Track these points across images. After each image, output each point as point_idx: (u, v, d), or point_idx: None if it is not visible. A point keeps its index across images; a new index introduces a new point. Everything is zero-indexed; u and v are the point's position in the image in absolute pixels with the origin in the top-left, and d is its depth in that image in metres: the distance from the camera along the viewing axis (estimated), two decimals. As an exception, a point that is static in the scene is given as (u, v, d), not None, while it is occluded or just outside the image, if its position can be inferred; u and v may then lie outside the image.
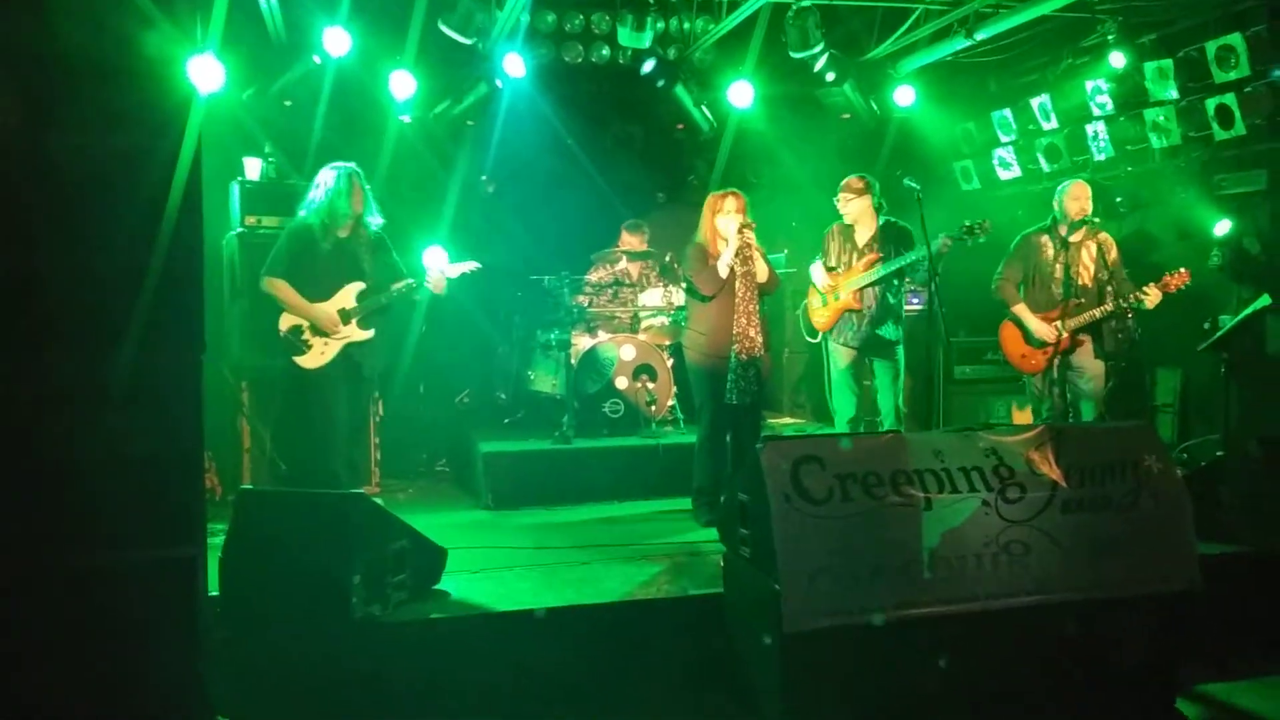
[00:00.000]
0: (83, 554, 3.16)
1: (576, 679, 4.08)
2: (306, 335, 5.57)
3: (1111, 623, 3.84)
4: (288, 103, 7.41)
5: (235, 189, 6.56)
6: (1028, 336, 6.24)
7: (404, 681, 3.91)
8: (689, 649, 4.23)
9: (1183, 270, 5.98)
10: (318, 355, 5.57)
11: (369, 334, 5.69)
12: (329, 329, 5.56)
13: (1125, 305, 5.99)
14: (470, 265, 5.94)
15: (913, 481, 3.72)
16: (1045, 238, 6.26)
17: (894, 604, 3.60)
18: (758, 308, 5.65)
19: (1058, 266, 6.17)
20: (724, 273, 5.59)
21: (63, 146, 3.18)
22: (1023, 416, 6.78)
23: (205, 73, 5.80)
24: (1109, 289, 6.06)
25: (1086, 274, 6.15)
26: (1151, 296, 5.94)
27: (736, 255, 5.58)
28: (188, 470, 3.40)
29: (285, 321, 5.58)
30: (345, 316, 5.60)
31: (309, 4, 6.82)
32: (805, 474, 3.64)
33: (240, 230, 6.48)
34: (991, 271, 6.48)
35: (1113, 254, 6.20)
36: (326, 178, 5.60)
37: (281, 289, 5.54)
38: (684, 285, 6.10)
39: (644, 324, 7.78)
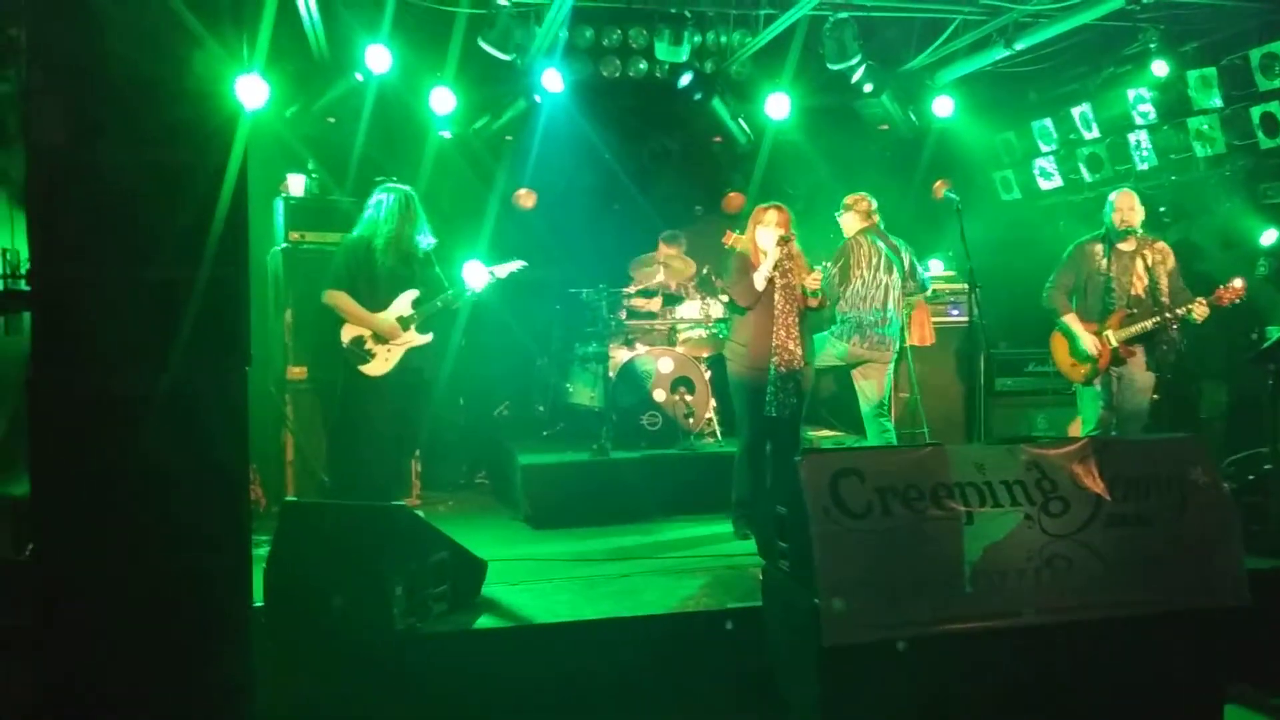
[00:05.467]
0: (129, 563, 3.21)
1: (616, 691, 4.09)
2: (369, 345, 5.71)
3: (1157, 638, 3.78)
4: (330, 120, 7.52)
5: (280, 205, 6.65)
6: (1075, 347, 6.17)
7: (444, 693, 3.94)
8: (727, 662, 4.22)
9: (1236, 283, 5.86)
10: (382, 362, 5.72)
11: (428, 338, 5.86)
12: (390, 336, 5.71)
13: (1171, 317, 5.91)
14: (516, 264, 6.06)
15: (954, 495, 3.68)
16: (1098, 246, 6.19)
17: (934, 619, 3.57)
18: (798, 320, 5.64)
19: (1110, 275, 6.11)
20: (760, 285, 5.59)
21: (113, 161, 3.25)
22: (1075, 427, 6.69)
23: (250, 91, 5.92)
24: (1164, 300, 5.98)
25: (1140, 284, 6.07)
26: (1200, 310, 5.85)
27: (776, 268, 5.58)
28: (233, 481, 3.44)
29: (347, 333, 5.71)
30: (404, 323, 5.76)
31: (351, 23, 6.92)
32: (844, 487, 3.62)
33: (285, 245, 6.57)
34: (1035, 282, 6.42)
35: (1169, 264, 6.11)
36: (383, 198, 5.76)
37: (343, 300, 5.69)
38: (724, 298, 6.11)
39: (682, 336, 7.79)
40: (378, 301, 5.73)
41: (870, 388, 6.43)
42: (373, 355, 5.71)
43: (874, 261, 6.39)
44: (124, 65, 3.23)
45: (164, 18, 3.25)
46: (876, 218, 6.55)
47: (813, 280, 5.65)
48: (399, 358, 5.76)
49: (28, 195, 3.31)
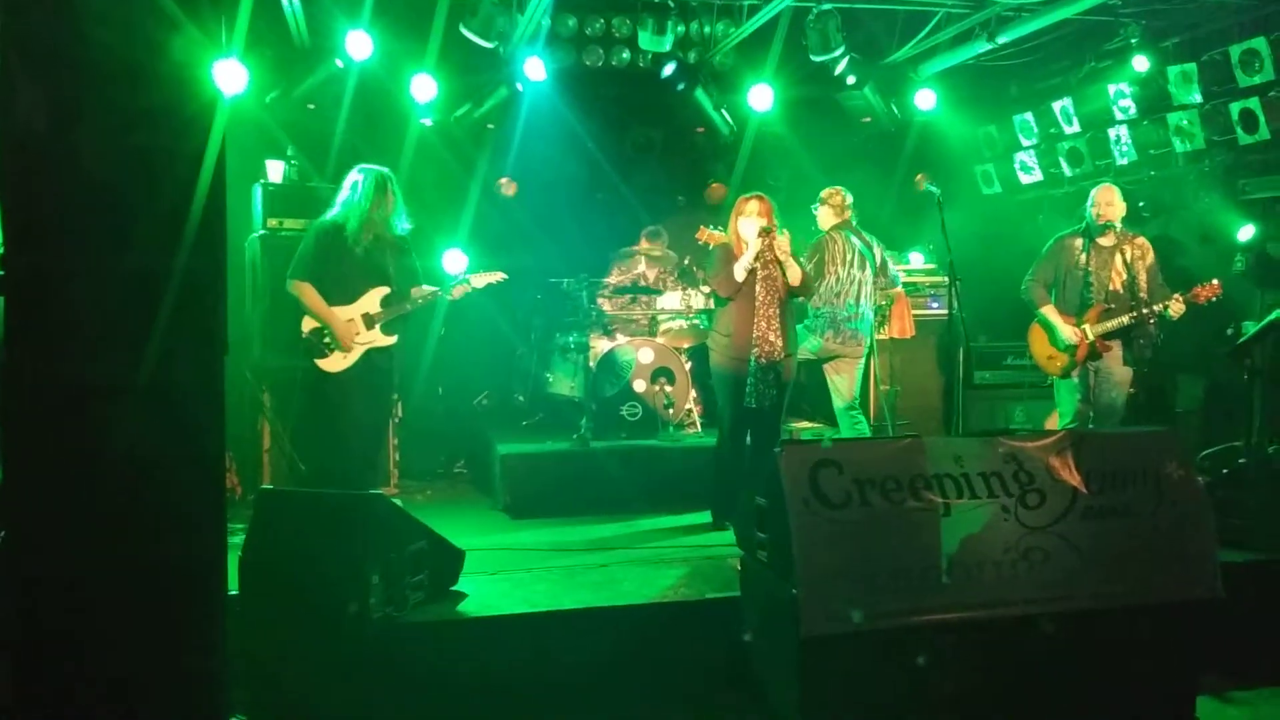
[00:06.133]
0: (103, 552, 3.19)
1: (594, 681, 4.09)
2: (329, 338, 5.49)
3: (1131, 630, 3.81)
4: (310, 106, 7.47)
5: (258, 191, 6.60)
6: (1053, 338, 6.20)
7: (421, 682, 3.93)
8: (705, 652, 4.23)
9: (1214, 282, 5.90)
10: (340, 359, 5.51)
11: (392, 339, 5.64)
12: (344, 340, 5.47)
13: (1148, 312, 5.94)
14: (496, 276, 5.94)
15: (931, 487, 3.70)
16: (1078, 240, 6.21)
17: (912, 609, 3.59)
18: (778, 311, 5.63)
19: (1088, 270, 6.13)
20: (739, 276, 5.58)
21: (89, 147, 3.21)
22: (1053, 420, 6.75)
23: (229, 76, 5.86)
24: (1141, 295, 6.00)
25: (1119, 279, 6.09)
26: (1176, 307, 5.89)
27: (756, 259, 5.57)
28: (209, 470, 3.42)
29: (308, 324, 5.51)
30: (369, 321, 5.54)
31: (332, 8, 6.87)
32: (823, 478, 3.63)
33: (262, 232, 6.52)
34: (1014, 276, 6.45)
35: (1148, 259, 6.14)
36: (357, 179, 5.53)
37: (307, 292, 5.45)
38: (706, 289, 6.12)
39: (662, 327, 7.80)
40: (347, 291, 5.51)
41: (842, 382, 6.51)
42: (331, 350, 5.49)
43: (848, 258, 6.45)
44: (100, 50, 3.19)
45: (141, 1, 3.21)
46: (850, 212, 6.59)
47: (781, 247, 5.57)
48: (359, 356, 5.53)
49: (1, 181, 3.26)
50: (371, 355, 5.59)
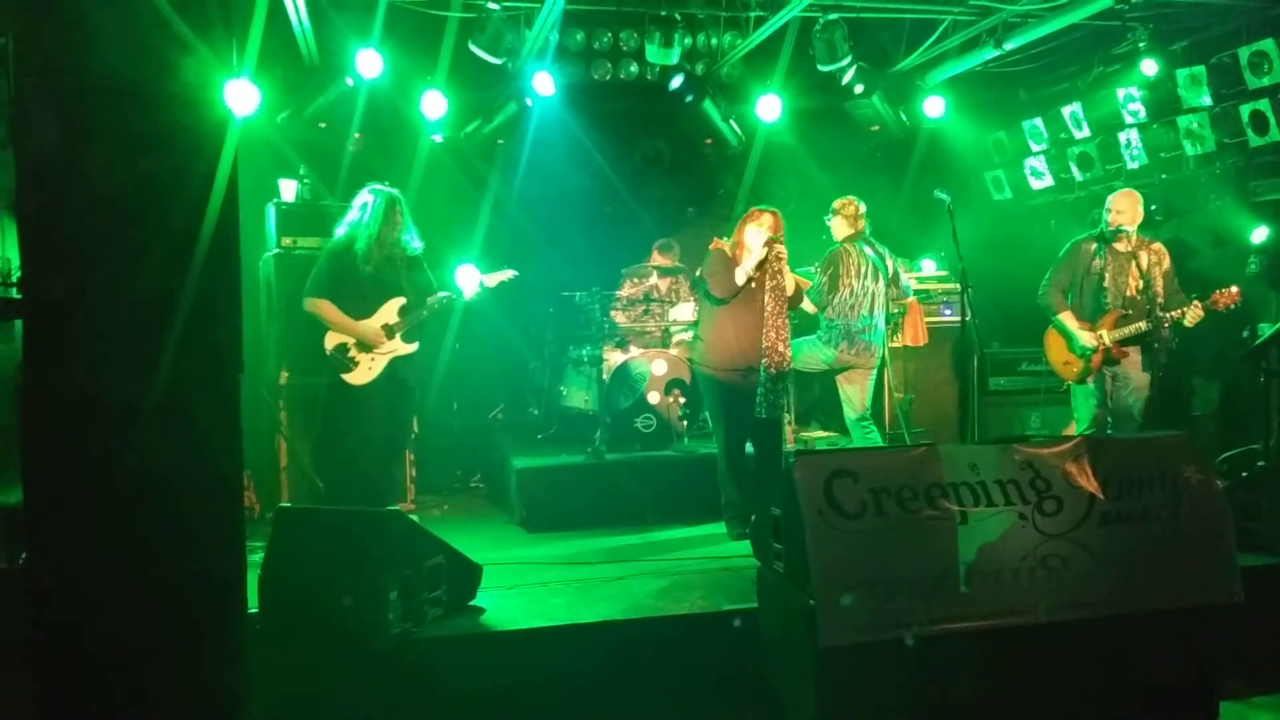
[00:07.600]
0: (122, 570, 3.20)
1: (611, 694, 4.09)
2: (353, 352, 5.66)
3: (1151, 636, 3.79)
4: (321, 125, 7.51)
5: (271, 211, 6.64)
6: (1071, 344, 6.18)
7: (440, 698, 3.93)
8: (724, 664, 4.22)
9: (1233, 288, 5.85)
10: (365, 371, 5.66)
11: (413, 347, 5.81)
12: (375, 344, 5.66)
13: (1164, 318, 5.90)
14: (507, 274, 6.02)
15: (948, 495, 3.69)
16: (1093, 245, 6.19)
17: (930, 619, 3.57)
18: (785, 323, 5.64)
19: (1105, 275, 6.11)
20: (740, 280, 5.59)
21: (102, 169, 3.23)
22: (1070, 427, 6.71)
23: (241, 96, 5.91)
24: (1157, 302, 5.96)
25: (1135, 285, 6.06)
26: (1193, 313, 5.84)
27: (763, 268, 5.58)
28: (227, 488, 3.43)
29: (330, 340, 5.65)
30: (390, 331, 5.70)
31: (341, 27, 6.91)
32: (839, 488, 3.62)
33: (276, 251, 6.55)
34: (1026, 281, 6.43)
35: (1165, 265, 6.11)
36: (366, 200, 5.69)
37: (325, 308, 5.62)
38: (700, 291, 6.09)
39: (675, 339, 7.80)
40: (364, 307, 5.67)
41: (854, 393, 6.49)
42: (356, 364, 5.65)
43: (862, 270, 6.44)
44: (113, 71, 3.22)
45: (153, 23, 3.24)
46: (864, 222, 6.58)
47: (779, 254, 5.61)
48: (383, 367, 5.69)
49: (18, 203, 3.29)
50: (395, 365, 5.74)
